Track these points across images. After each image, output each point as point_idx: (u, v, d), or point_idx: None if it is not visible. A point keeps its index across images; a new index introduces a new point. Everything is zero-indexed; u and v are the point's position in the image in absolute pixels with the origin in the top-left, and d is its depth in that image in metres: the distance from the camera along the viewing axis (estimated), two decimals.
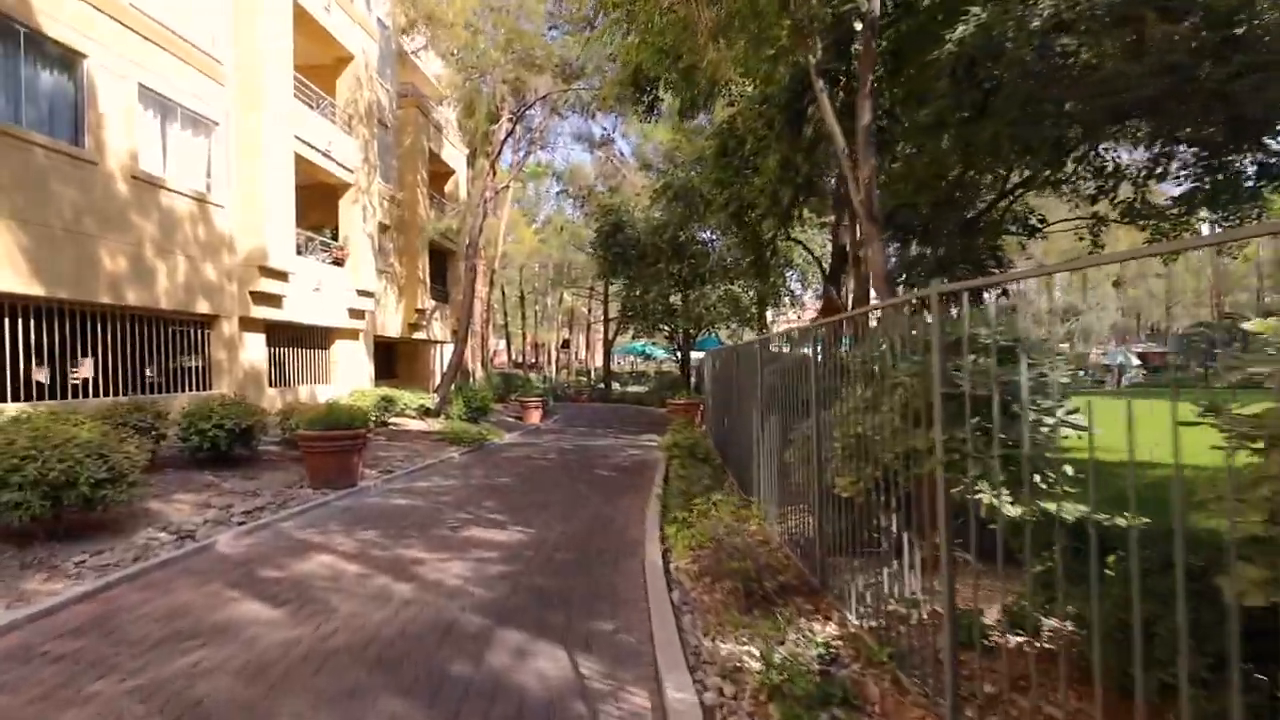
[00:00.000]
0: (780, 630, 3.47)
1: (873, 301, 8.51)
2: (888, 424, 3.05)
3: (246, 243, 12.02)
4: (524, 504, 7.90)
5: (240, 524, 6.75)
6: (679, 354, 23.10)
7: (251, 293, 12.06)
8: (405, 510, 7.59)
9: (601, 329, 40.48)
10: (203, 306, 11.21)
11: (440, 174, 23.94)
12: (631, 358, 47.86)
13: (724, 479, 8.22)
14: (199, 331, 11.51)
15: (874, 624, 3.44)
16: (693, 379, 22.66)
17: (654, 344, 25.18)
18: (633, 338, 24.18)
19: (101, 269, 9.36)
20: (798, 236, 10.32)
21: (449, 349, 22.03)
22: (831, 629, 3.68)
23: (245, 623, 4.14)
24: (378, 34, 17.34)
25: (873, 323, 3.93)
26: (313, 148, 13.96)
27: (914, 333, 3.01)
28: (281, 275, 12.55)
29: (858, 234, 8.89)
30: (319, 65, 15.57)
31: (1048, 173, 5.14)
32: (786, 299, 19.76)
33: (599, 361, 49.65)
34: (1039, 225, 6.11)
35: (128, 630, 4.07)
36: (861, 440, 3.48)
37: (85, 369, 10.56)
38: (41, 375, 9.42)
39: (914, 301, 2.85)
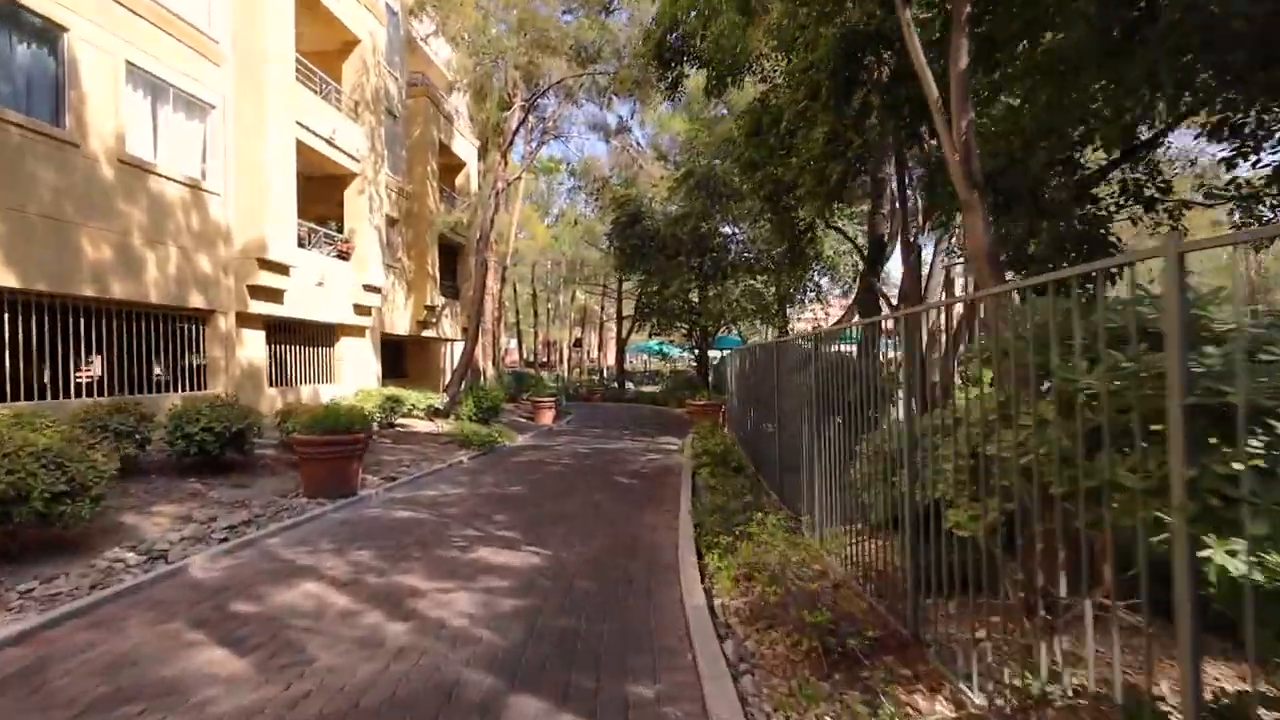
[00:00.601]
0: None
1: (958, 289, 7.61)
2: (1050, 444, 2.20)
3: (244, 234, 11.33)
4: (539, 517, 7.10)
5: (221, 541, 6.01)
6: (696, 352, 22.19)
7: (249, 287, 11.37)
8: (407, 524, 6.82)
9: (614, 327, 39.70)
10: (197, 301, 10.53)
11: (451, 167, 23.24)
12: (645, 356, 47.06)
13: (761, 491, 7.38)
14: (193, 328, 10.83)
15: (1004, 702, 2.59)
16: (711, 378, 21.77)
17: (671, 342, 24.24)
18: (649, 335, 23.27)
19: (84, 259, 8.68)
20: (836, 223, 9.45)
21: (459, 347, 21.34)
22: (943, 707, 2.83)
23: (201, 678, 3.37)
24: (386, 18, 16.63)
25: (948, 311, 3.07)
26: (316, 135, 13.26)
27: (1091, 318, 2.15)
28: (282, 268, 11.86)
29: (907, 219, 7.99)
30: (324, 50, 14.88)
31: (1205, 121, 4.21)
32: (812, 294, 18.73)
33: (611, 360, 48.90)
34: (1158, 195, 5.17)
35: (59, 686, 3.31)
36: (990, 462, 2.63)
37: (96, 367, 9.96)
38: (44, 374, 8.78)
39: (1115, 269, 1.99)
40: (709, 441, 8.21)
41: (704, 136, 21.43)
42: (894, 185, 8.79)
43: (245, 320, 11.62)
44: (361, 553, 5.72)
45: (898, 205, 8.80)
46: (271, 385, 12.57)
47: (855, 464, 4.77)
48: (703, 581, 4.69)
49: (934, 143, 8.23)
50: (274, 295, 11.96)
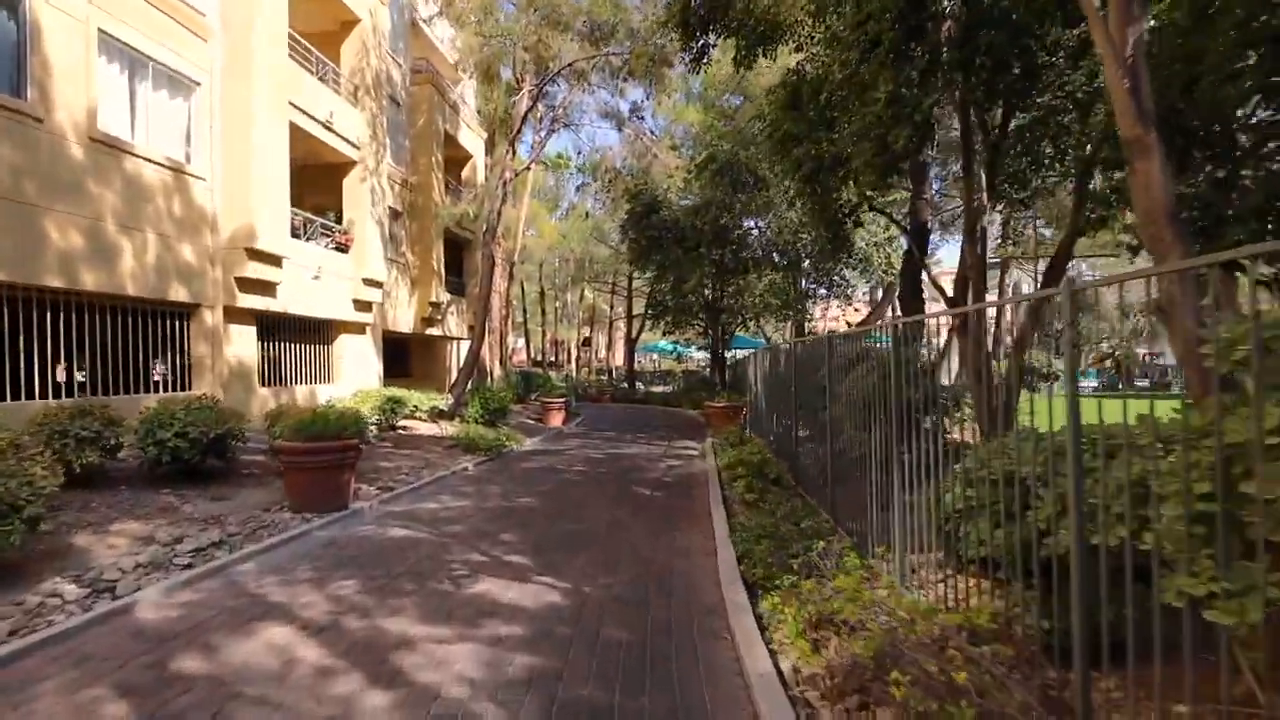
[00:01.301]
0: None
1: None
2: None
3: (232, 221, 10.50)
4: (552, 539, 6.20)
5: (185, 568, 5.15)
6: (712, 352, 21.19)
7: (238, 279, 10.53)
8: (402, 546, 5.94)
9: (623, 325, 38.79)
10: (179, 293, 9.70)
11: (457, 159, 22.43)
12: (655, 356, 46.18)
13: (808, 508, 6.43)
14: (175, 323, 9.99)
15: None
16: (727, 379, 20.80)
17: (685, 341, 23.15)
18: (663, 334, 22.26)
19: (49, 246, 7.86)
20: (881, 205, 8.53)
21: (466, 346, 20.52)
22: None
23: None
24: None
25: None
26: (312, 118, 12.43)
27: None
28: (273, 260, 11.02)
29: (972, 197, 7.03)
30: (321, 30, 14.05)
31: None
32: (838, 289, 17.62)
33: (620, 360, 47.92)
34: None
35: None
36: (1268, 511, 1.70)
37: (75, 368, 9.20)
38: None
39: None
40: (742, 450, 7.28)
41: (720, 127, 20.49)
42: (924, 167, 7.92)
43: (234, 315, 10.79)
44: (345, 584, 4.83)
45: (936, 186, 7.82)
46: (264, 385, 11.75)
47: (947, 485, 3.85)
48: (760, 633, 3.77)
49: (996, 112, 7.28)
50: (265, 288, 11.13)
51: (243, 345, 11.03)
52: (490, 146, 22.62)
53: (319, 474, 7.12)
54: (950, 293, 8.27)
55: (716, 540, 5.91)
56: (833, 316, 21.99)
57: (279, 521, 6.64)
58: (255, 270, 10.62)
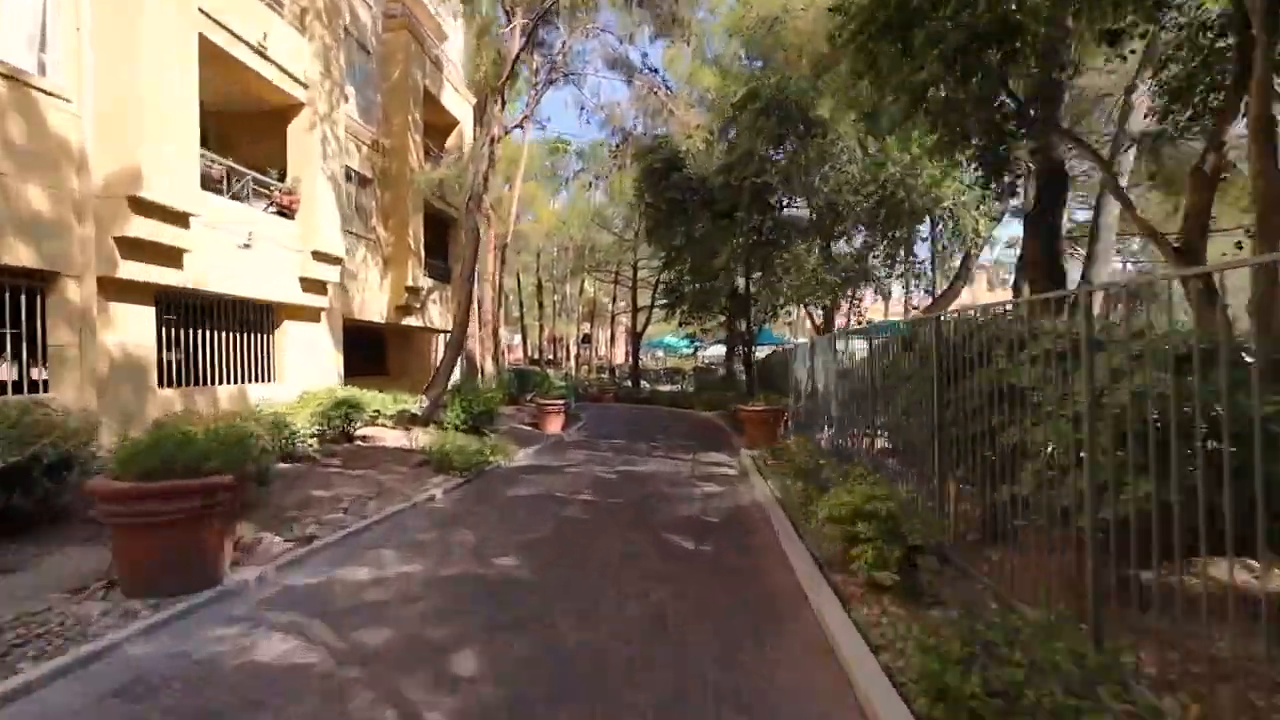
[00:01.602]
0: None
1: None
2: None
3: (109, 161, 7.67)
4: (548, 671, 3.41)
5: None
6: (732, 346, 18.19)
7: (119, 239, 7.71)
8: (267, 685, 3.15)
9: (626, 319, 35.92)
10: (21, 255, 6.86)
11: (440, 126, 19.59)
12: (659, 353, 43.42)
13: (1000, 609, 3.64)
14: (16, 297, 7.10)
15: None
16: (754, 376, 17.92)
17: (699, 335, 20.11)
18: (679, 324, 19.33)
19: None
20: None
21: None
22: None
23: None
24: None
25: None
26: (237, 38, 9.58)
27: None
28: (175, 216, 8.20)
29: (1270, 79, 4.21)
30: None
31: None
32: (901, 266, 14.59)
33: (621, 358, 44.98)
34: None
35: None
36: None
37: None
38: None
39: None
40: (858, 495, 4.47)
41: (733, 88, 17.60)
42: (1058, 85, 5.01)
43: (117, 289, 7.96)
44: None
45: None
46: (167, 385, 8.92)
47: None
48: None
49: None
50: (166, 255, 8.30)
51: (132, 331, 8.20)
52: (480, 114, 19.75)
53: (165, 533, 4.32)
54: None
55: (856, 687, 3.12)
56: (867, 308, 19.11)
57: (75, 619, 3.87)
58: (145, 229, 7.79)
